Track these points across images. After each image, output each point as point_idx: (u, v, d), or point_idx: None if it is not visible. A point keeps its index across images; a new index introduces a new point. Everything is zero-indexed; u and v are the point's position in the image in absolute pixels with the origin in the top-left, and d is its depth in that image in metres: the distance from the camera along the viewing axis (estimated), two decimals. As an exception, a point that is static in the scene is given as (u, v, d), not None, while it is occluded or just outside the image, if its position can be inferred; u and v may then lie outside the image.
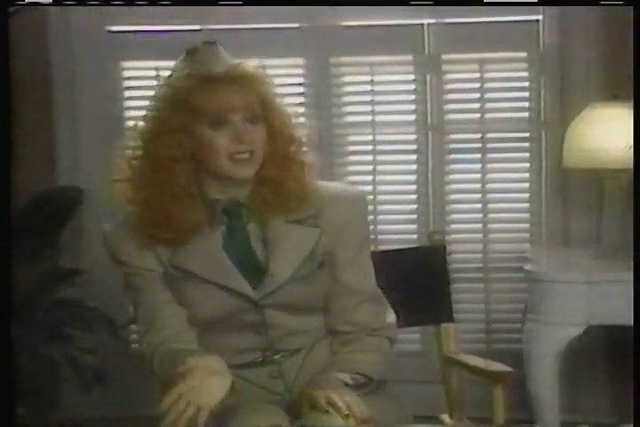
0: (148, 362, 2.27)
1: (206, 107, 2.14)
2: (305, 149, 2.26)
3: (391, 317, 2.36)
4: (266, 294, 2.22)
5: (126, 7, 3.63)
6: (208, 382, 2.05)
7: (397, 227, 3.88)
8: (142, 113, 2.25)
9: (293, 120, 2.27)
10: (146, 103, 3.71)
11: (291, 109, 2.28)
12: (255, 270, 2.23)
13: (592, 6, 3.54)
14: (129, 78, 3.87)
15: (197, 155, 2.18)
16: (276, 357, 2.28)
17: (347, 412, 2.07)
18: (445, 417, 2.78)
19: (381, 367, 2.30)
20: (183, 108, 2.16)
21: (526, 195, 3.84)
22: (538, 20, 3.73)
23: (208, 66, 2.18)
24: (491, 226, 3.86)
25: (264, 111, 2.20)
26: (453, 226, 3.86)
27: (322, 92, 3.79)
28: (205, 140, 2.16)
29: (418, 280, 2.79)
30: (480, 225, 3.86)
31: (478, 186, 3.84)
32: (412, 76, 3.82)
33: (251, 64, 2.21)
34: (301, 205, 2.23)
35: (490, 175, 3.84)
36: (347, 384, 2.20)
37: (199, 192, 2.21)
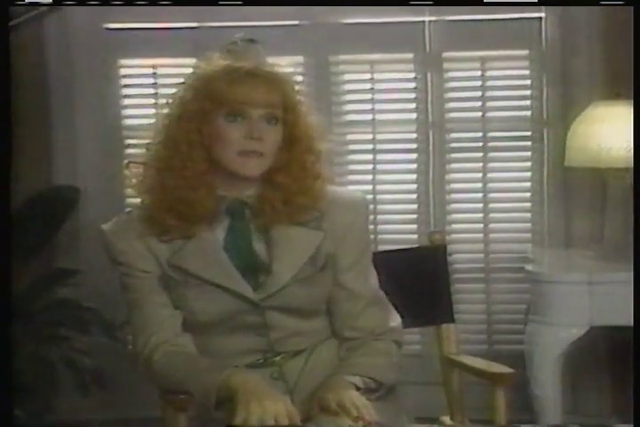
0: (143, 363, 2.26)
1: (226, 96, 2.15)
2: (324, 161, 2.26)
3: (396, 320, 2.36)
4: (267, 296, 2.21)
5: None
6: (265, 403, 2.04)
7: (397, 227, 3.86)
8: (167, 99, 2.27)
9: (317, 131, 2.26)
10: (143, 101, 3.80)
11: (317, 120, 2.26)
12: (256, 272, 2.23)
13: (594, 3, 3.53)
14: (126, 76, 3.85)
15: (210, 145, 2.17)
16: (277, 358, 2.27)
17: (357, 415, 2.08)
18: (446, 419, 2.77)
19: (391, 372, 2.31)
20: (204, 95, 2.16)
21: (528, 194, 3.83)
22: (540, 18, 3.72)
23: (239, 59, 2.19)
24: (492, 226, 3.85)
25: (285, 114, 2.19)
26: (454, 226, 3.85)
27: (321, 91, 3.77)
28: (219, 131, 2.16)
29: (418, 281, 2.78)
30: (481, 225, 3.85)
31: (479, 185, 3.83)
32: (412, 74, 3.80)
33: (281, 65, 2.23)
34: (308, 213, 2.23)
35: (491, 174, 3.83)
36: (358, 388, 2.20)
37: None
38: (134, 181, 2.26)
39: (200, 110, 2.17)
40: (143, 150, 2.26)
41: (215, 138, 2.17)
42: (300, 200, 2.21)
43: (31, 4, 3.26)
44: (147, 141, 2.25)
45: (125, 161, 2.32)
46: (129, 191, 2.37)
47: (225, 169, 2.19)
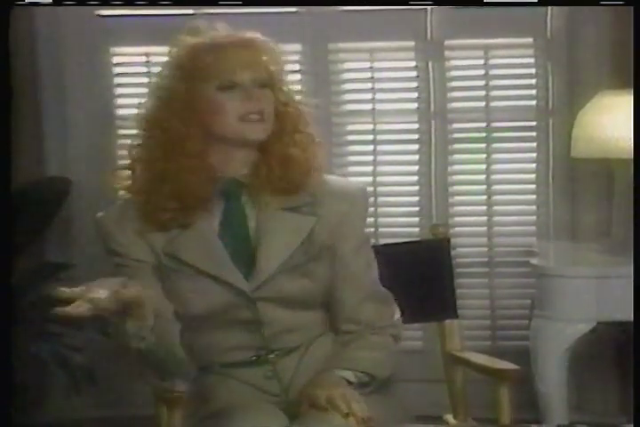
0: (133, 356, 2.20)
1: (214, 69, 2.16)
2: (311, 124, 2.26)
3: (396, 314, 2.33)
4: (258, 286, 2.18)
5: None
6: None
7: (399, 220, 3.84)
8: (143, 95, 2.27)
9: (297, 96, 2.28)
10: (136, 90, 3.75)
11: (293, 87, 2.30)
12: (249, 259, 2.20)
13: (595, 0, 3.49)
14: (119, 65, 3.82)
15: (207, 121, 2.17)
16: (271, 356, 2.24)
17: (347, 411, 2.05)
18: (449, 417, 2.76)
19: (386, 366, 2.28)
20: (189, 74, 2.16)
21: (533, 186, 3.81)
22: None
23: (211, 35, 2.20)
24: (496, 219, 3.83)
25: (271, 81, 2.20)
26: (457, 219, 3.83)
27: (320, 80, 3.74)
28: (216, 104, 2.17)
29: (420, 275, 2.77)
30: (485, 218, 3.83)
31: (483, 177, 3.81)
32: (413, 63, 3.78)
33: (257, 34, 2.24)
34: (306, 180, 2.21)
35: (495, 166, 3.81)
36: (350, 383, 2.19)
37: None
38: (125, 183, 2.24)
39: (191, 88, 2.16)
40: (133, 143, 2.23)
41: (212, 111, 2.17)
42: (296, 158, 2.20)
43: (31, 3, 3.28)
44: (136, 133, 2.23)
45: (110, 170, 2.31)
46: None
47: (228, 140, 2.17)
